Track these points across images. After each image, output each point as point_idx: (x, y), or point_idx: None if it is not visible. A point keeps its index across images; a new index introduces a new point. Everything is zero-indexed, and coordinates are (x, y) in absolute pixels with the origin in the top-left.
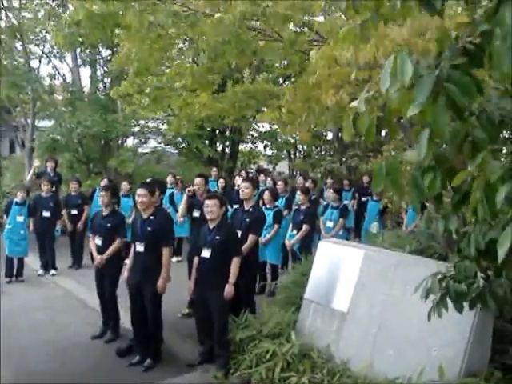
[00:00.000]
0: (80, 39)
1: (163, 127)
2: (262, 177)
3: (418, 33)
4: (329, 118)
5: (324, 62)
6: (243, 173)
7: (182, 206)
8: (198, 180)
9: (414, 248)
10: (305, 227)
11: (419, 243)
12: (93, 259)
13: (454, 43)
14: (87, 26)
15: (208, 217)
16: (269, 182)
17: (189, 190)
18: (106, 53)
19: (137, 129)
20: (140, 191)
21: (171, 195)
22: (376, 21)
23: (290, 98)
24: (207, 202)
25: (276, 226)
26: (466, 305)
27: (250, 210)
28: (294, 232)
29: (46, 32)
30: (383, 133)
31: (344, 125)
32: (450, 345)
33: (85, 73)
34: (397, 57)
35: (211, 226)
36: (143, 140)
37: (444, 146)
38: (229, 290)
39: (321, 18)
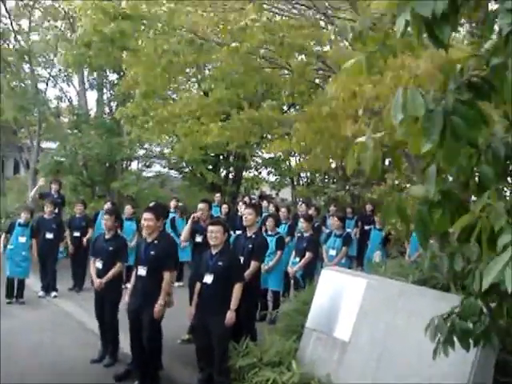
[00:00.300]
0: (88, 61)
1: (168, 151)
2: (264, 203)
3: (437, 65)
4: (345, 150)
5: (342, 95)
6: (246, 199)
7: (185, 231)
8: (201, 205)
9: (417, 278)
10: (308, 254)
11: (422, 273)
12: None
13: (459, 76)
14: (96, 47)
15: (211, 242)
16: (271, 208)
17: (193, 217)
18: (112, 77)
19: (141, 152)
20: (146, 215)
21: (172, 220)
22: (384, 53)
23: (301, 130)
24: (211, 227)
25: (279, 252)
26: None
27: (253, 236)
28: (297, 259)
29: (54, 55)
30: (386, 161)
31: (348, 159)
32: (452, 376)
33: (91, 96)
34: (406, 91)
35: (214, 252)
36: (147, 164)
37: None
38: (230, 316)
39: (327, 48)
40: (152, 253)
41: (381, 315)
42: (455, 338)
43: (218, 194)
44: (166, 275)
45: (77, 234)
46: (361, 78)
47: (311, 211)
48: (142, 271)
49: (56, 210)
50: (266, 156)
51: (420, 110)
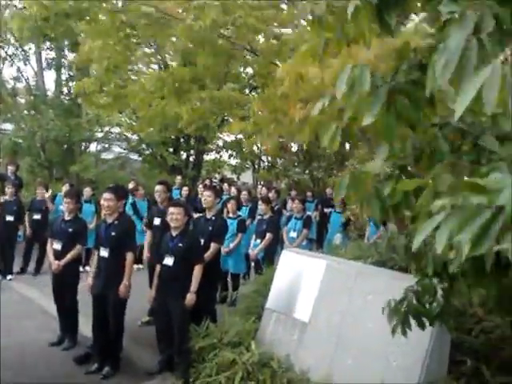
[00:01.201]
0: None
1: (128, 134)
2: (225, 186)
3: (385, 56)
4: (296, 130)
5: (290, 76)
6: (207, 182)
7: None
8: (158, 187)
9: (376, 259)
10: (268, 236)
11: (380, 255)
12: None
13: (412, 57)
14: (53, 19)
15: (172, 224)
16: (233, 191)
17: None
18: (71, 56)
19: (100, 135)
20: (107, 195)
21: (134, 203)
22: (341, 41)
23: (257, 108)
24: (172, 209)
25: (239, 234)
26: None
27: (213, 218)
28: (258, 241)
29: (11, 34)
30: (347, 146)
31: (305, 130)
32: (409, 354)
33: (49, 76)
34: (355, 66)
35: (174, 234)
36: (107, 146)
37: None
38: (190, 297)
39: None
40: (113, 234)
41: (339, 296)
42: (411, 319)
43: (178, 177)
44: (129, 256)
45: (37, 216)
46: (308, 62)
47: (271, 194)
48: (103, 252)
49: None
50: (228, 139)
51: (365, 85)
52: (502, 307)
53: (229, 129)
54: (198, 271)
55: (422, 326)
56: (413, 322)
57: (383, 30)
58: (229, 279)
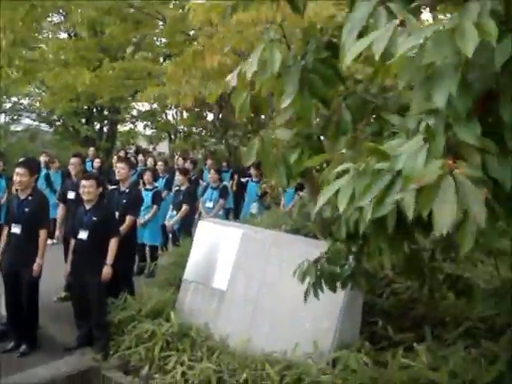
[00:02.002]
0: None
1: (37, 104)
2: (141, 157)
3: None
4: (212, 81)
5: (201, 19)
6: (122, 153)
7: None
8: (73, 160)
9: (290, 227)
10: (184, 207)
11: (295, 222)
12: None
13: (319, 36)
14: None
15: (85, 198)
16: (150, 162)
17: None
18: None
19: (9, 105)
20: (19, 170)
21: (47, 176)
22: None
23: (171, 70)
24: (84, 182)
25: (154, 206)
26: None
27: (127, 190)
28: (174, 213)
29: None
30: (263, 116)
31: (213, 91)
32: (323, 318)
33: None
34: (265, 47)
35: (87, 207)
36: (16, 117)
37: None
38: (107, 271)
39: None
40: (26, 210)
41: (256, 264)
42: (323, 281)
43: (91, 148)
44: (42, 233)
45: None
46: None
47: (188, 164)
48: (16, 229)
49: None
50: (142, 109)
51: (275, 65)
52: (410, 270)
53: (143, 97)
54: (113, 244)
55: (333, 289)
56: (325, 286)
57: (292, 9)
58: (147, 251)
